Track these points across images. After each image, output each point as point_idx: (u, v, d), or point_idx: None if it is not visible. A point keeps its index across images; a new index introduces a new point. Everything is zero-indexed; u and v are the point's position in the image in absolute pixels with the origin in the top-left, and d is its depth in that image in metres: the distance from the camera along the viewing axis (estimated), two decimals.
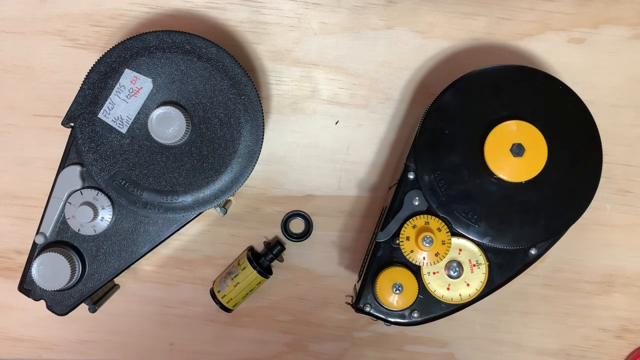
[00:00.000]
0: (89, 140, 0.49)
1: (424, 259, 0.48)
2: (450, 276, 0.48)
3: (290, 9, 0.55)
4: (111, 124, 0.49)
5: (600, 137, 0.48)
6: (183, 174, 0.49)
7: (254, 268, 0.55)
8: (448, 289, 0.49)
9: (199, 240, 0.58)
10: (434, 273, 0.49)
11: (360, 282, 0.50)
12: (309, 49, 0.56)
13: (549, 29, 0.55)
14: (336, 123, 0.56)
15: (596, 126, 0.48)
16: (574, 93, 0.48)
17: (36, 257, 0.49)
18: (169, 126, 0.47)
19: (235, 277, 0.55)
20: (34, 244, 0.50)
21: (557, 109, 0.48)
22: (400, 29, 0.55)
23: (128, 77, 0.48)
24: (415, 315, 0.49)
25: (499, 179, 0.46)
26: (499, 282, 0.49)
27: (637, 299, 0.57)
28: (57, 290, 0.50)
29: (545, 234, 0.48)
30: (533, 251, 0.48)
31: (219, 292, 0.56)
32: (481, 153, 0.46)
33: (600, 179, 0.48)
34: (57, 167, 0.50)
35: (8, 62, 0.56)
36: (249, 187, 0.57)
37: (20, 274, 0.51)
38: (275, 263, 0.57)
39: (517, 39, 0.55)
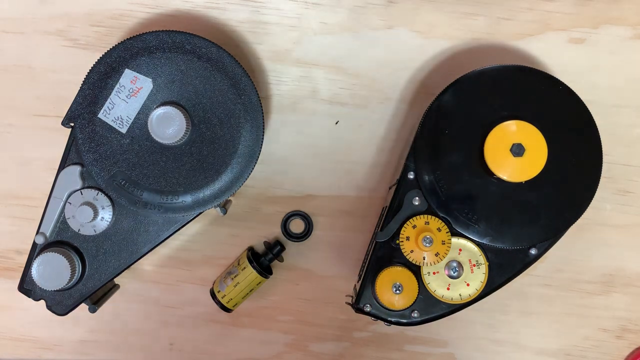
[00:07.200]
0: (89, 140, 0.49)
1: (424, 259, 0.48)
2: (450, 276, 0.48)
3: (290, 9, 0.55)
4: (111, 124, 0.49)
5: (600, 137, 0.48)
6: (183, 174, 0.49)
7: (254, 268, 0.55)
8: (448, 289, 0.48)
9: (199, 240, 0.58)
10: (434, 273, 0.48)
11: (360, 282, 0.50)
12: (309, 49, 0.56)
13: (549, 29, 0.55)
14: (336, 123, 0.56)
15: (596, 126, 0.48)
16: (574, 93, 0.48)
17: (36, 257, 0.49)
18: (169, 126, 0.47)
19: (235, 277, 0.55)
20: (34, 244, 0.50)
21: (557, 109, 0.48)
22: (400, 29, 0.55)
23: (128, 77, 0.48)
24: (415, 315, 0.49)
25: (499, 179, 0.46)
26: (499, 282, 0.49)
27: (637, 299, 0.57)
28: (57, 290, 0.50)
29: (545, 234, 0.48)
30: (533, 251, 0.48)
31: (219, 292, 0.56)
32: (481, 153, 0.46)
33: (600, 179, 0.47)
34: (57, 167, 0.50)
35: (8, 62, 0.56)
36: (249, 187, 0.57)
37: (20, 274, 0.51)
38: (275, 263, 0.57)
39: (517, 39, 0.55)
